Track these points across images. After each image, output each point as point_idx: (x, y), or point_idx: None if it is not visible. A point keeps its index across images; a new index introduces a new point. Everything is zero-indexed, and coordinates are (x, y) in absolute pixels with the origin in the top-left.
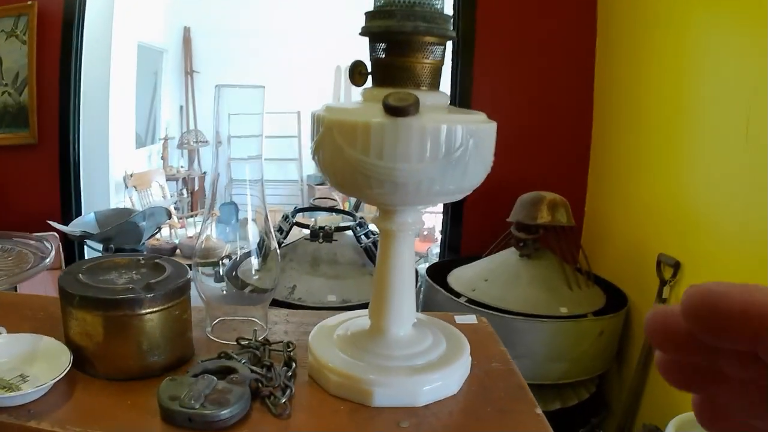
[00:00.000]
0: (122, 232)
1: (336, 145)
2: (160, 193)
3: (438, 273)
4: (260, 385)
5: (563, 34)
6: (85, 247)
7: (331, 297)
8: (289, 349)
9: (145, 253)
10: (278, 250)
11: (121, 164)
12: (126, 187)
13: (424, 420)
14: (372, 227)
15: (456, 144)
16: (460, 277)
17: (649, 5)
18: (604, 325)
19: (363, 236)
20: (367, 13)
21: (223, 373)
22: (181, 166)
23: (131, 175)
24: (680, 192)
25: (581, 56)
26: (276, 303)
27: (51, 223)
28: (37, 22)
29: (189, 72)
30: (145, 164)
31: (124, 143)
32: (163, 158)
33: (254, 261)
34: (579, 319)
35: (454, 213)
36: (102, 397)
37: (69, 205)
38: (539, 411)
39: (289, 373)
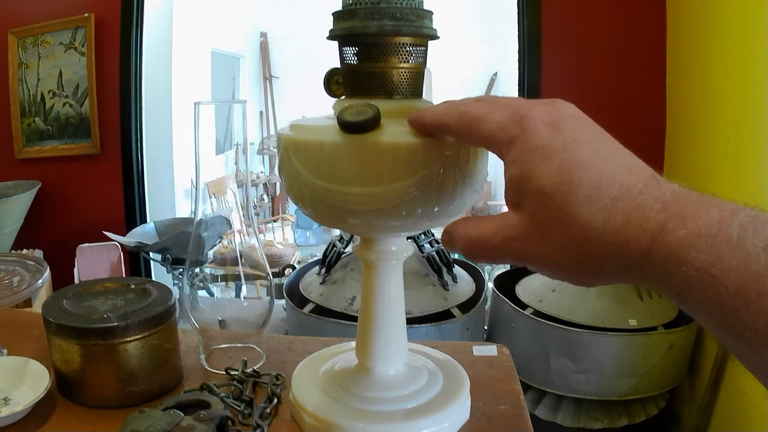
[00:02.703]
0: (180, 242)
1: (293, 167)
2: (233, 200)
3: (507, 282)
4: (229, 423)
5: (631, 30)
6: (150, 257)
7: None
8: (277, 383)
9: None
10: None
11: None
12: (210, 194)
13: None
14: (437, 235)
15: (424, 162)
16: (528, 287)
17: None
18: (674, 338)
19: (426, 245)
20: (333, 14)
21: (197, 407)
22: (261, 172)
23: (196, 184)
24: (754, 196)
25: (652, 51)
26: (334, 315)
27: (106, 233)
28: (95, 33)
29: (267, 77)
30: (223, 170)
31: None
32: (236, 164)
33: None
34: (648, 332)
35: None
36: (75, 425)
37: (133, 214)
38: None
39: (267, 411)
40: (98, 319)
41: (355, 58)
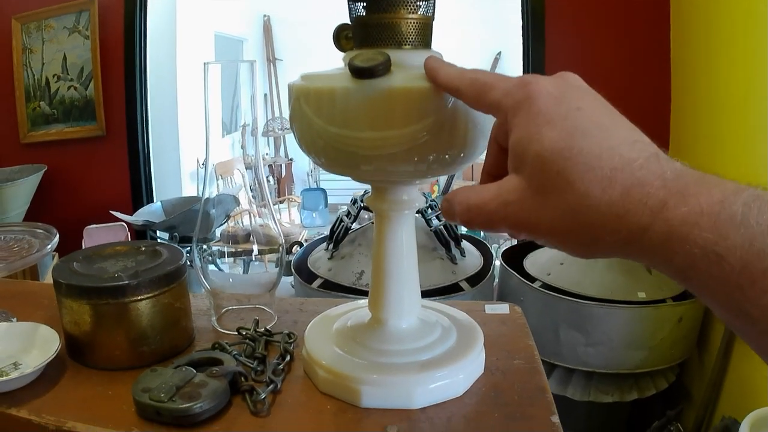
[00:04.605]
0: (188, 220)
1: (305, 116)
2: (241, 180)
3: (515, 256)
4: (243, 379)
5: (635, 8)
6: (158, 235)
7: None
8: (289, 341)
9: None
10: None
11: (199, 153)
12: (217, 176)
13: (415, 425)
14: None
15: (435, 106)
16: (536, 260)
17: None
18: (683, 310)
19: (434, 219)
20: None
21: (209, 365)
22: (266, 153)
23: (203, 164)
24: (759, 175)
25: (656, 29)
26: (342, 289)
27: (113, 212)
28: (98, 16)
29: (271, 60)
30: (230, 152)
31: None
32: (242, 147)
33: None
34: (657, 304)
35: None
36: (86, 387)
37: (139, 194)
38: (555, 419)
39: (280, 367)
40: (109, 278)
41: (364, 11)
